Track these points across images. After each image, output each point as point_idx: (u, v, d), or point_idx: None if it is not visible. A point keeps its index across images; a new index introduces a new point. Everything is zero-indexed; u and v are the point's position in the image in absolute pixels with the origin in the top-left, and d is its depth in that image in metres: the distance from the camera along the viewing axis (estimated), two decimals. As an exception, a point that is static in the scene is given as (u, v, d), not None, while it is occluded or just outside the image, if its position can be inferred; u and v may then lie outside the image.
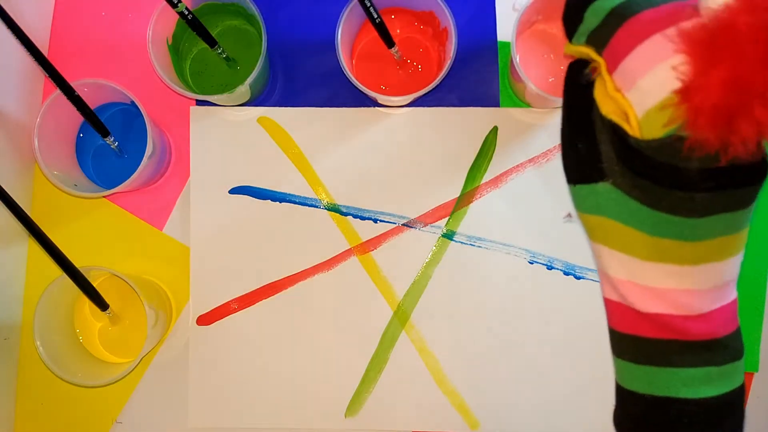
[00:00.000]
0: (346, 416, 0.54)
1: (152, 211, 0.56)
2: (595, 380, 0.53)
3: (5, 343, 0.53)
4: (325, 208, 0.55)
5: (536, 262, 0.54)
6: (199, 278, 0.55)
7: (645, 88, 0.30)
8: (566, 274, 0.54)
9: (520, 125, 0.55)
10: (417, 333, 0.54)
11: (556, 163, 0.55)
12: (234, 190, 0.55)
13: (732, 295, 0.35)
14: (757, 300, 0.54)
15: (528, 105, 0.55)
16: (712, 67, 0.27)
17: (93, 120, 0.49)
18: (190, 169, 0.55)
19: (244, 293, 0.55)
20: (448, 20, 0.49)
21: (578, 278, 0.54)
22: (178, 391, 0.55)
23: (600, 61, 0.33)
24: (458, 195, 0.55)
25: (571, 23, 0.35)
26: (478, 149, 0.55)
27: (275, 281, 0.55)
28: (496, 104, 0.55)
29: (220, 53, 0.51)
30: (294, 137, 0.55)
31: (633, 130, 0.31)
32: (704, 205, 0.31)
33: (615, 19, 0.32)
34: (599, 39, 0.33)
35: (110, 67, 0.56)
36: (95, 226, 0.56)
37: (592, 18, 0.33)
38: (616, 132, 0.32)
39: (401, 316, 0.54)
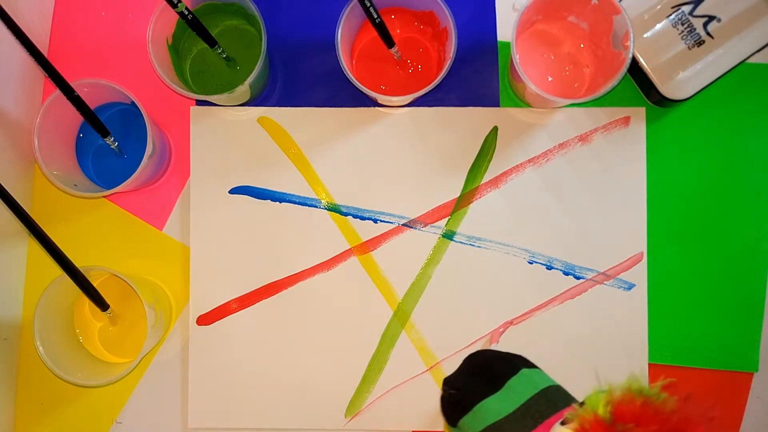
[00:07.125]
0: (346, 416, 0.54)
1: (152, 211, 0.56)
2: (596, 380, 0.53)
3: (5, 343, 0.53)
4: (325, 208, 0.55)
5: (536, 262, 0.54)
6: (199, 278, 0.55)
7: None
8: (566, 274, 0.54)
9: (520, 125, 0.55)
10: (417, 333, 0.54)
11: (556, 163, 0.55)
12: (234, 190, 0.55)
13: None
14: (757, 300, 0.54)
15: (528, 105, 0.55)
16: None
17: (93, 120, 0.49)
18: (190, 169, 0.55)
19: (244, 293, 0.55)
20: (448, 20, 0.49)
21: (578, 278, 0.54)
22: (177, 392, 0.55)
23: None
24: (458, 195, 0.55)
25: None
26: (478, 149, 0.55)
27: (275, 281, 0.55)
28: (496, 104, 0.55)
29: (220, 53, 0.51)
30: (294, 137, 0.55)
31: None
32: None
33: None
34: None
35: (110, 67, 0.56)
36: (95, 226, 0.56)
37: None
38: None
39: (401, 316, 0.54)
